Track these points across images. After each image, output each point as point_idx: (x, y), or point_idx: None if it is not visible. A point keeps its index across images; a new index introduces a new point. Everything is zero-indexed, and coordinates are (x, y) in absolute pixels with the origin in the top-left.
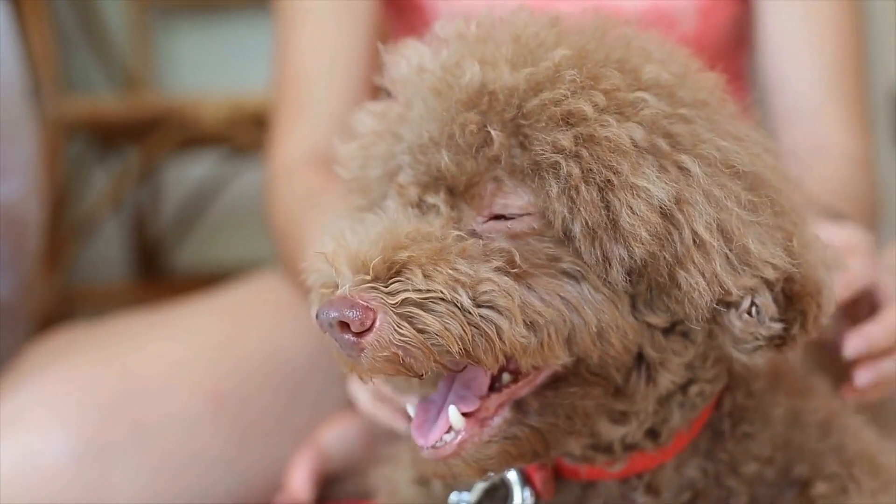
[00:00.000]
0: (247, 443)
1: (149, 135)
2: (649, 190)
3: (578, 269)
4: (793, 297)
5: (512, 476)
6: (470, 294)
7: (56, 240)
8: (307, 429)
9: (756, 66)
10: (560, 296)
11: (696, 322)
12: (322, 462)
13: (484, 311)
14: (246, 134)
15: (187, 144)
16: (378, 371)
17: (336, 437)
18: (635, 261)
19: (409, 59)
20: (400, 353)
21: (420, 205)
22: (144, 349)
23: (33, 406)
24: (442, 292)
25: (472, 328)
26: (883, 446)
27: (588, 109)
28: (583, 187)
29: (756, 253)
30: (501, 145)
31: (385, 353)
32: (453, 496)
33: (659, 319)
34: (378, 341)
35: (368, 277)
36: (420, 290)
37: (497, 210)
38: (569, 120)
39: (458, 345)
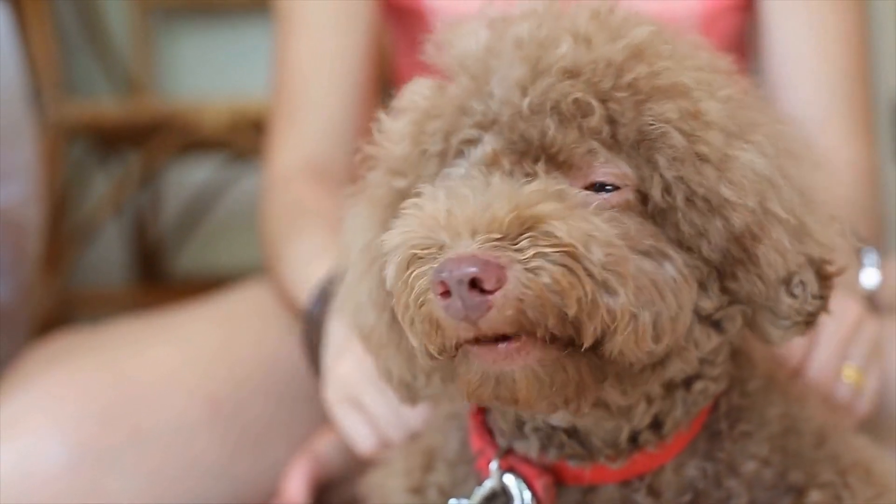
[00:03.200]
0: (243, 449)
1: (150, 139)
2: (749, 160)
3: (664, 248)
4: (826, 277)
5: (511, 481)
6: (602, 252)
7: (56, 243)
8: (303, 435)
9: (759, 76)
10: (649, 276)
11: (762, 298)
12: (318, 468)
13: (606, 275)
14: (247, 139)
15: (188, 149)
16: (496, 329)
17: (332, 443)
18: (731, 232)
19: (473, 35)
20: (526, 309)
21: (512, 174)
22: (141, 355)
23: (31, 411)
24: (575, 247)
25: (593, 289)
26: (877, 454)
27: (689, 83)
28: (687, 158)
29: (814, 232)
30: (601, 116)
31: (509, 312)
32: (451, 503)
33: (710, 304)
34: (506, 298)
35: (497, 235)
36: (554, 245)
37: (598, 178)
38: (670, 92)
39: (576, 307)
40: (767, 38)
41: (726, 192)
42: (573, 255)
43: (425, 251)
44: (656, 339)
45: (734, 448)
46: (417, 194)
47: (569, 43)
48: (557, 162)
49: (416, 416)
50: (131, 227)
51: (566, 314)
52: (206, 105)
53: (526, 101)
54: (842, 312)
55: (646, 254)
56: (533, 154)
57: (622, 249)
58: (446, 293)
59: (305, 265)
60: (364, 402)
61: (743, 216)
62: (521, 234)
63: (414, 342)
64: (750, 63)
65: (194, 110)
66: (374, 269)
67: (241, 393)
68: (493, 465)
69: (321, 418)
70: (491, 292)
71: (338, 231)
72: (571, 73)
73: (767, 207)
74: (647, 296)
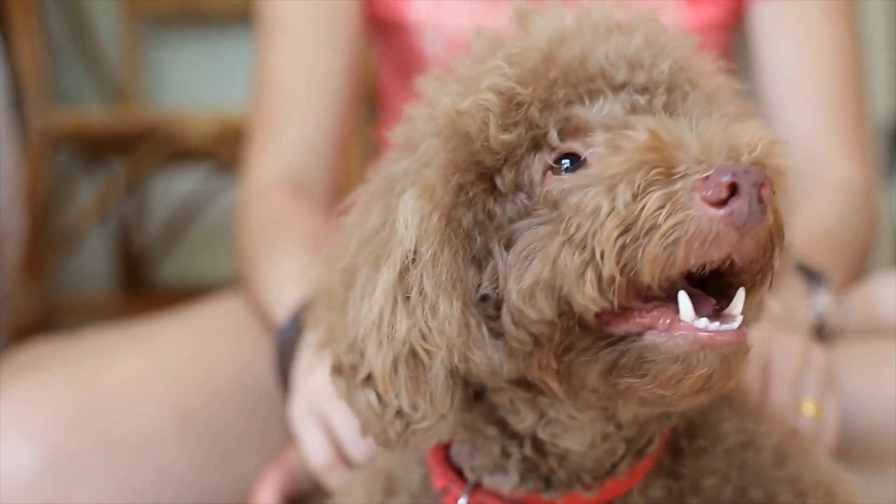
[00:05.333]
0: (213, 460)
1: (136, 148)
2: None
3: None
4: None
5: None
6: None
7: (39, 250)
8: (275, 448)
9: (750, 93)
10: None
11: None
12: (289, 481)
13: None
14: (232, 149)
15: (174, 159)
16: (750, 250)
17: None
18: None
19: (559, 15)
20: (774, 233)
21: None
22: (112, 365)
23: (0, 419)
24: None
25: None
26: (839, 476)
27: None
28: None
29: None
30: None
31: (765, 232)
32: None
33: None
34: (768, 213)
35: (754, 156)
36: (779, 184)
37: None
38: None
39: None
40: (760, 56)
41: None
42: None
43: (670, 173)
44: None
45: (695, 464)
46: (528, 147)
47: (661, 26)
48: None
49: None
50: (115, 235)
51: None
52: (193, 115)
53: (666, 65)
54: (786, 349)
55: None
56: (676, 113)
57: None
58: (721, 203)
59: (280, 284)
60: (330, 418)
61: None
62: (763, 162)
63: (608, 271)
64: (738, 82)
65: (180, 120)
66: (441, 253)
67: (212, 404)
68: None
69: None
70: (764, 204)
71: (315, 247)
72: (681, 50)
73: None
74: None
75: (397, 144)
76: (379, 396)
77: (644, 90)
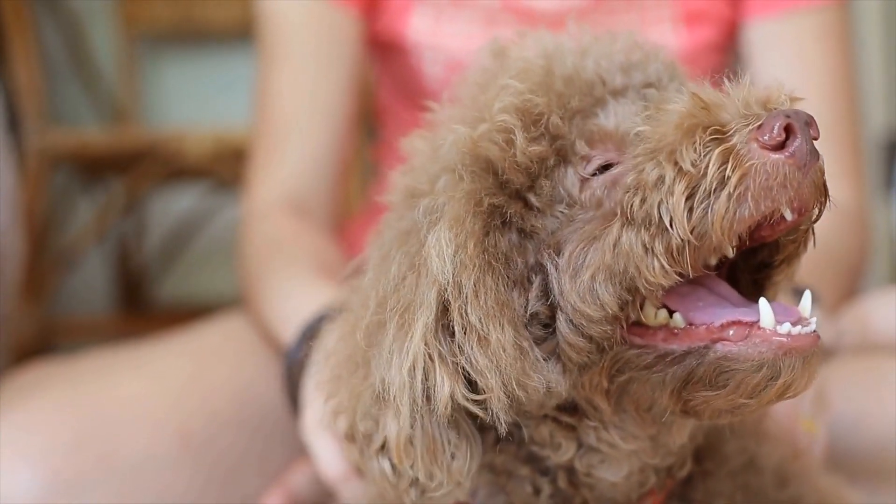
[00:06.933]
0: (213, 482)
1: (134, 167)
2: None
3: None
4: None
5: None
6: None
7: (38, 270)
8: (276, 469)
9: None
10: None
11: None
12: (291, 502)
13: None
14: (230, 168)
15: (172, 177)
16: (809, 193)
17: (305, 477)
18: None
19: (544, 37)
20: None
21: None
22: (111, 387)
23: (1, 443)
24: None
25: None
26: (840, 494)
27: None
28: None
29: None
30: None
31: (818, 175)
32: None
33: None
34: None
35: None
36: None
37: None
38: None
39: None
40: (753, 76)
41: None
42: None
43: (722, 130)
44: None
45: (704, 486)
46: (555, 161)
47: (634, 36)
48: None
49: None
50: (114, 254)
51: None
52: (190, 134)
53: (655, 66)
54: None
55: None
56: None
57: None
58: (779, 146)
59: (284, 304)
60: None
61: None
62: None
63: (680, 236)
64: None
65: (178, 139)
66: (484, 283)
67: (212, 426)
68: None
69: (295, 452)
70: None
71: (317, 267)
72: (662, 55)
73: None
74: None
75: (397, 202)
76: (394, 466)
77: (648, 85)
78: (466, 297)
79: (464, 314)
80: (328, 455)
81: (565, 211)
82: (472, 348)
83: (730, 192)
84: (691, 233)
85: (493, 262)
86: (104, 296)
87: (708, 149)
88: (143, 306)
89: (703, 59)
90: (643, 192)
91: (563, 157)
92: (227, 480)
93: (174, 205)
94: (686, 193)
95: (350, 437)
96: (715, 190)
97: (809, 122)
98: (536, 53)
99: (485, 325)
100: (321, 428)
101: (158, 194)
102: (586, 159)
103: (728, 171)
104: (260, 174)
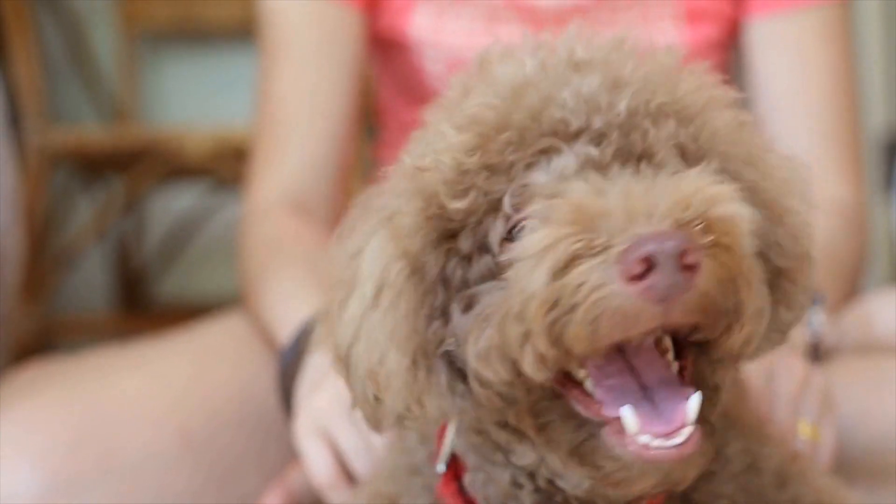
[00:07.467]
0: (213, 481)
1: (134, 166)
2: None
3: None
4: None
5: None
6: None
7: (38, 269)
8: (276, 468)
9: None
10: None
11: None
12: (290, 502)
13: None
14: (230, 167)
15: (172, 176)
16: (681, 318)
17: (304, 477)
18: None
19: (521, 59)
20: (715, 295)
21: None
22: (112, 386)
23: (1, 442)
24: (741, 237)
25: (752, 279)
26: (839, 494)
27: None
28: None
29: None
30: (675, 122)
31: (697, 297)
32: None
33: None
34: (700, 280)
35: (684, 217)
36: (727, 235)
37: None
38: (718, 104)
39: (745, 295)
40: (754, 75)
41: (785, 200)
42: (741, 245)
43: (590, 247)
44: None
45: (706, 487)
46: (486, 212)
47: (629, 57)
48: (653, 164)
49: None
50: (114, 253)
51: (733, 304)
52: (190, 132)
53: (623, 105)
54: (789, 370)
55: None
56: (634, 156)
57: None
58: (638, 277)
59: (283, 304)
60: (335, 435)
61: (797, 221)
62: (696, 219)
63: (544, 351)
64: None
65: (178, 137)
66: (398, 304)
67: (212, 424)
68: None
69: (294, 452)
70: (690, 271)
71: (318, 267)
72: (646, 82)
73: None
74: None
75: (392, 174)
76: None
77: (600, 136)
78: (380, 313)
79: (374, 326)
80: (319, 460)
81: (491, 263)
82: (373, 358)
83: (584, 313)
84: (553, 344)
85: (415, 290)
86: (104, 294)
87: (573, 264)
88: (143, 305)
89: (705, 56)
90: (514, 292)
91: (496, 209)
92: (227, 479)
93: (174, 204)
94: (545, 307)
95: (337, 358)
96: (571, 309)
97: (684, 252)
98: (506, 83)
99: (385, 347)
100: (312, 433)
101: (158, 193)
102: (508, 219)
103: (583, 292)
104: (260, 173)
